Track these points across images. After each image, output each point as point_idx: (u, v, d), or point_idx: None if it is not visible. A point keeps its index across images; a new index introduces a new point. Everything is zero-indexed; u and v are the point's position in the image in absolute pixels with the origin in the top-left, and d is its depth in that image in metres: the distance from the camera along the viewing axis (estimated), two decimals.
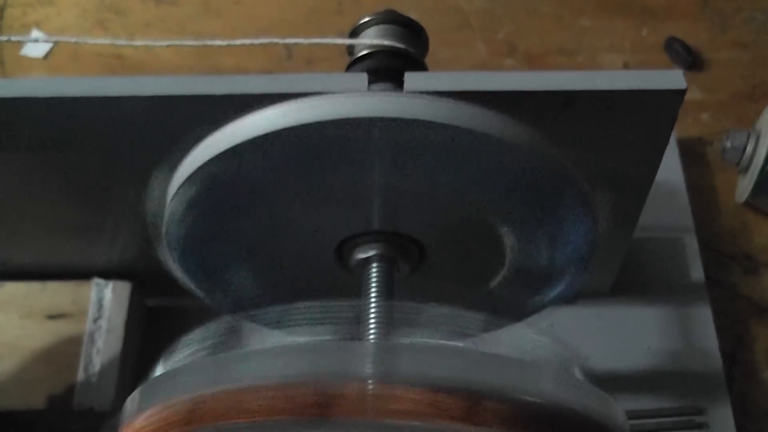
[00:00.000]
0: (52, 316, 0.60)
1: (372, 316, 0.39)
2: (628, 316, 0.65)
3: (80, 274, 0.62)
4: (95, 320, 0.59)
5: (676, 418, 0.60)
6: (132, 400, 0.35)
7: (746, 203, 0.72)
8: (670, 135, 0.50)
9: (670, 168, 0.72)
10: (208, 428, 0.31)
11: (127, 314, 0.60)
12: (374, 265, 0.44)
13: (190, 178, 0.42)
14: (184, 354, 0.37)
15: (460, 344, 0.33)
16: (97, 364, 0.58)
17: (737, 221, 0.73)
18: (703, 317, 0.65)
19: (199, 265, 0.47)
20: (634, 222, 0.58)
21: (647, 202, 0.57)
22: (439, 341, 0.34)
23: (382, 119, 0.37)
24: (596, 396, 0.34)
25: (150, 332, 0.63)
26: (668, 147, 0.74)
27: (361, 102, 0.38)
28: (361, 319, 0.39)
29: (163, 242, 0.45)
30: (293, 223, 0.45)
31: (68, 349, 0.58)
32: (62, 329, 0.59)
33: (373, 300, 0.41)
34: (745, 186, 0.71)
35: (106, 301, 0.60)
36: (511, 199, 0.42)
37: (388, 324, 0.39)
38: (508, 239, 0.44)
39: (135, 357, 0.61)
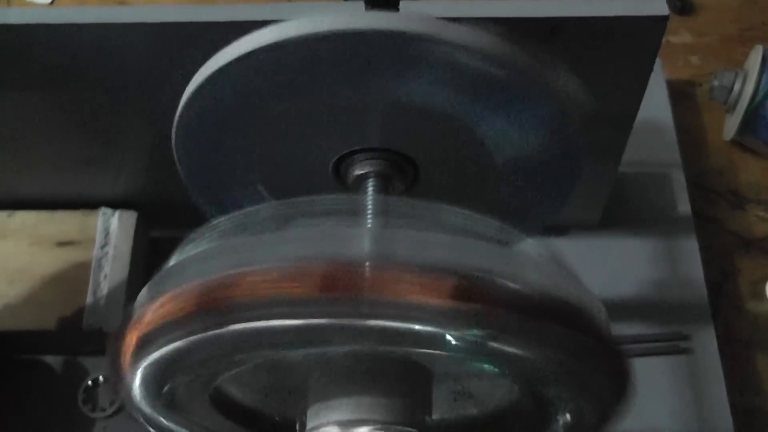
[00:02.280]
0: (61, 244, 0.62)
1: (369, 209, 0.41)
2: (616, 248, 0.67)
3: (87, 204, 0.64)
4: (102, 247, 0.61)
5: (662, 343, 0.63)
6: (144, 292, 0.37)
7: (733, 141, 0.74)
8: (653, 63, 0.52)
9: (659, 107, 0.74)
10: (219, 311, 0.33)
11: (133, 241, 0.62)
12: (370, 180, 0.46)
13: (199, 90, 0.44)
14: (193, 246, 0.39)
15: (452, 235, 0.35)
16: (104, 287, 0.60)
17: (724, 159, 0.75)
18: (690, 249, 0.67)
19: (205, 178, 0.49)
20: (620, 153, 0.60)
21: (636, 139, 0.58)
22: (432, 232, 0.36)
23: (378, 32, 0.39)
24: (576, 285, 0.36)
25: (154, 262, 0.65)
26: (657, 87, 0.76)
27: (359, 17, 0.40)
28: (359, 213, 0.41)
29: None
30: (293, 139, 0.47)
31: (77, 275, 0.61)
32: (71, 256, 0.61)
33: (370, 198, 0.43)
34: (732, 124, 0.73)
35: (112, 229, 0.62)
36: (499, 114, 0.43)
37: (384, 215, 0.41)
38: (497, 154, 0.46)
39: (140, 284, 0.62)
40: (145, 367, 0.37)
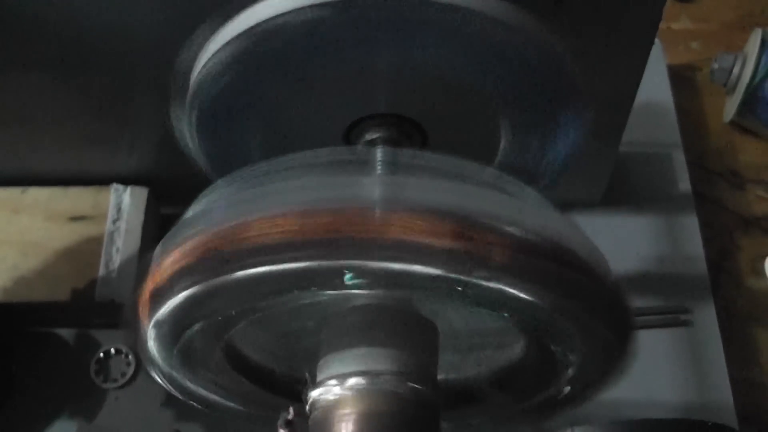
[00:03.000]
0: (74, 218, 0.63)
1: (376, 159, 0.42)
2: (618, 225, 0.68)
3: (100, 180, 0.65)
4: (114, 222, 0.63)
5: (663, 316, 0.64)
6: (158, 247, 0.38)
7: (732, 123, 0.75)
8: (653, 35, 0.53)
9: (660, 91, 0.75)
10: (228, 257, 0.34)
11: (144, 216, 0.63)
12: (379, 147, 0.47)
13: (210, 63, 0.45)
14: (204, 201, 0.40)
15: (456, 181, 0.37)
16: (116, 261, 0.61)
17: (724, 140, 0.76)
18: (690, 226, 0.68)
19: (214, 135, 0.50)
20: (620, 132, 0.61)
21: (637, 120, 0.60)
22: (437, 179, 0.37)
23: None
24: (580, 235, 0.37)
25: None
26: (658, 71, 0.78)
27: None
28: (363, 162, 0.42)
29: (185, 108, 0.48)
30: (305, 109, 0.48)
31: (89, 248, 0.62)
32: (83, 230, 0.63)
33: (376, 150, 0.44)
34: (731, 105, 0.74)
35: (124, 205, 0.63)
36: (509, 80, 0.45)
37: (390, 164, 0.42)
38: (505, 117, 0.47)
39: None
40: (159, 319, 0.38)
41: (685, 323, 0.64)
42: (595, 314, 0.36)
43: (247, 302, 0.37)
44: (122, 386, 0.62)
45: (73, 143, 0.63)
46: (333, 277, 0.34)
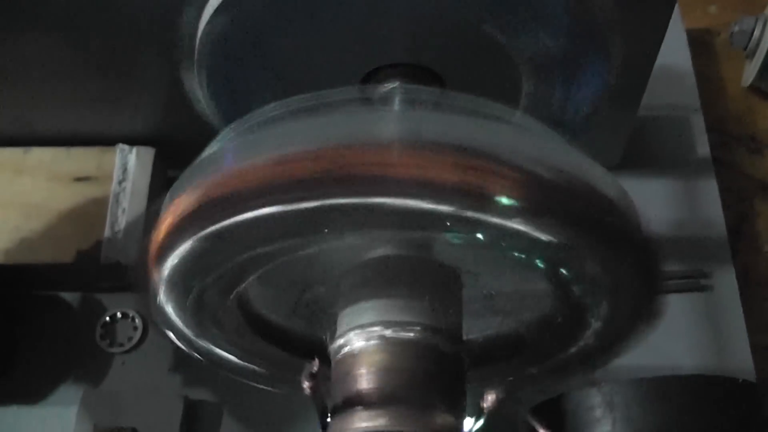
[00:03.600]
0: (79, 179, 0.61)
1: (392, 96, 0.41)
2: (636, 189, 0.64)
3: (104, 141, 0.63)
4: (120, 182, 0.61)
5: (682, 280, 0.62)
6: (166, 196, 0.37)
7: (752, 87, 0.73)
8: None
9: (678, 55, 0.73)
10: (235, 199, 0.33)
11: (151, 177, 0.62)
12: (393, 84, 0.45)
13: (217, 15, 0.43)
14: (214, 146, 0.38)
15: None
16: (122, 222, 0.60)
17: (743, 105, 0.74)
18: (709, 190, 0.67)
19: (227, 91, 0.48)
20: (640, 96, 0.59)
21: (656, 84, 0.58)
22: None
23: None
24: (608, 178, 0.36)
25: None
26: (676, 35, 0.76)
27: None
28: (375, 101, 0.41)
29: (194, 66, 0.47)
30: (319, 59, 0.46)
31: (94, 210, 0.60)
32: (88, 191, 0.61)
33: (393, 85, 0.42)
34: (751, 69, 0.72)
35: (130, 165, 0.62)
36: (530, 23, 0.43)
37: (404, 102, 0.40)
38: (525, 66, 0.45)
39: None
40: (169, 271, 0.36)
41: (704, 288, 0.63)
42: (621, 256, 0.35)
43: (258, 247, 0.35)
44: (129, 351, 0.61)
45: (77, 103, 0.61)
46: (342, 218, 0.32)
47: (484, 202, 0.31)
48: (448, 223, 0.32)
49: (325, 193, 0.32)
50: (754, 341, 0.61)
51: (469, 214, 0.31)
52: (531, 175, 0.32)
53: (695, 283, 0.62)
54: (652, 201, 0.66)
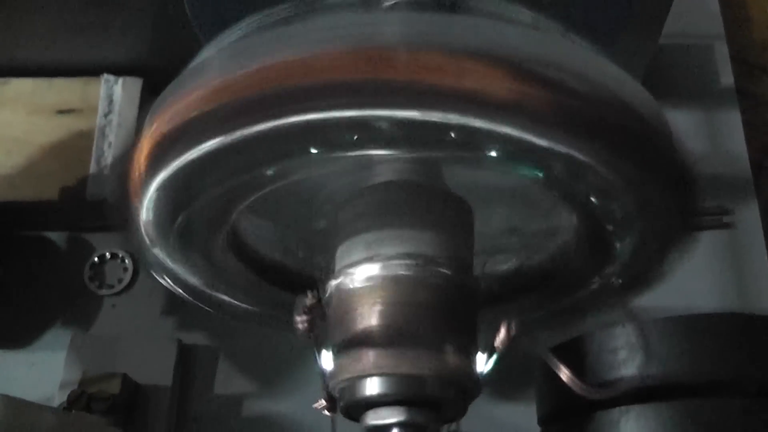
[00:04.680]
0: (62, 112, 0.58)
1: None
2: None
3: (88, 71, 0.60)
4: (106, 115, 0.58)
5: (704, 218, 0.59)
6: (158, 99, 0.33)
7: None
8: None
9: None
10: (237, 108, 0.29)
11: (139, 109, 0.58)
12: None
13: None
14: (211, 47, 0.35)
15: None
16: (108, 156, 0.56)
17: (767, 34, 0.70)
18: (732, 122, 0.63)
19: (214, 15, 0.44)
20: (663, 20, 0.56)
21: (679, 10, 0.54)
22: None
23: None
24: (645, 96, 0.32)
25: None
26: None
27: None
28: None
29: None
30: None
31: (79, 144, 0.57)
32: (72, 124, 0.58)
33: None
34: None
35: (116, 97, 0.58)
36: None
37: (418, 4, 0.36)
38: None
39: None
40: (156, 189, 0.33)
41: (726, 225, 0.59)
42: (651, 175, 0.31)
43: (255, 169, 0.31)
44: (119, 293, 0.58)
45: (59, 29, 0.58)
46: (341, 132, 0.29)
47: (497, 112, 0.28)
48: (454, 135, 0.28)
49: (311, 106, 0.28)
50: None
51: (479, 124, 0.27)
52: (550, 83, 0.28)
53: (718, 220, 0.59)
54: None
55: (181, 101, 0.31)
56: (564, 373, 0.34)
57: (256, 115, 0.29)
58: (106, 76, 0.59)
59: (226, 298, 0.43)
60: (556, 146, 0.28)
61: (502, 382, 0.47)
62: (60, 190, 0.55)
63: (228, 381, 0.56)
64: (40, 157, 0.56)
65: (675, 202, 0.33)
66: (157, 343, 0.55)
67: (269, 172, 0.32)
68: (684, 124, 0.63)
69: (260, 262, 0.43)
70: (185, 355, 0.56)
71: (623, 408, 0.37)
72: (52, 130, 0.57)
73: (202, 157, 0.30)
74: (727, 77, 0.65)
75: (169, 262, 0.39)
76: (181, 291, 0.42)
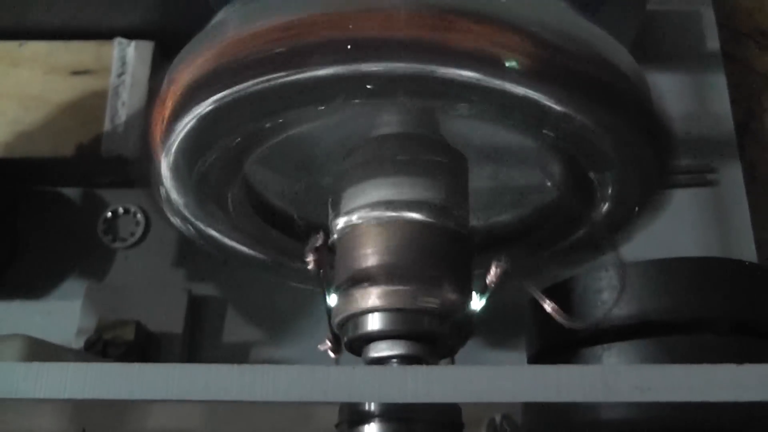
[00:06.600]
0: (76, 72, 0.60)
1: None
2: None
3: (101, 35, 0.62)
4: (119, 75, 0.60)
5: (689, 175, 0.62)
6: (176, 60, 0.36)
7: None
8: None
9: None
10: (241, 69, 0.32)
11: (150, 70, 0.60)
12: None
13: None
14: (224, 12, 0.37)
15: None
16: (122, 115, 0.59)
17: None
18: (718, 85, 0.65)
19: None
20: None
21: None
22: None
23: None
24: (617, 49, 0.35)
25: None
26: None
27: None
28: None
29: None
30: None
31: (94, 102, 0.59)
32: (87, 84, 0.60)
33: None
34: None
35: (129, 58, 0.60)
36: None
37: None
38: None
39: None
40: (178, 138, 0.36)
41: (710, 183, 0.62)
42: (630, 126, 0.34)
43: (260, 119, 0.34)
44: (132, 246, 0.61)
45: None
46: (344, 87, 0.32)
47: (493, 67, 0.30)
48: (453, 90, 0.31)
49: (323, 60, 0.31)
50: (759, 237, 0.61)
51: (477, 77, 0.30)
52: (539, 40, 0.31)
53: (702, 177, 0.62)
54: (660, 95, 0.65)
55: (199, 57, 0.34)
56: (549, 305, 0.37)
57: (263, 70, 0.32)
58: (119, 39, 0.61)
59: (237, 245, 0.46)
60: (533, 95, 0.31)
61: (494, 330, 0.50)
62: (75, 146, 0.58)
63: (236, 330, 0.59)
64: (56, 115, 0.59)
65: (651, 152, 0.36)
66: (169, 293, 0.58)
67: (279, 121, 0.35)
68: (671, 86, 0.66)
69: (271, 212, 0.45)
70: (195, 305, 0.58)
71: (606, 345, 0.40)
72: (68, 89, 0.59)
73: (219, 107, 0.33)
74: (713, 42, 0.67)
75: (186, 212, 0.42)
76: (196, 237, 0.45)
